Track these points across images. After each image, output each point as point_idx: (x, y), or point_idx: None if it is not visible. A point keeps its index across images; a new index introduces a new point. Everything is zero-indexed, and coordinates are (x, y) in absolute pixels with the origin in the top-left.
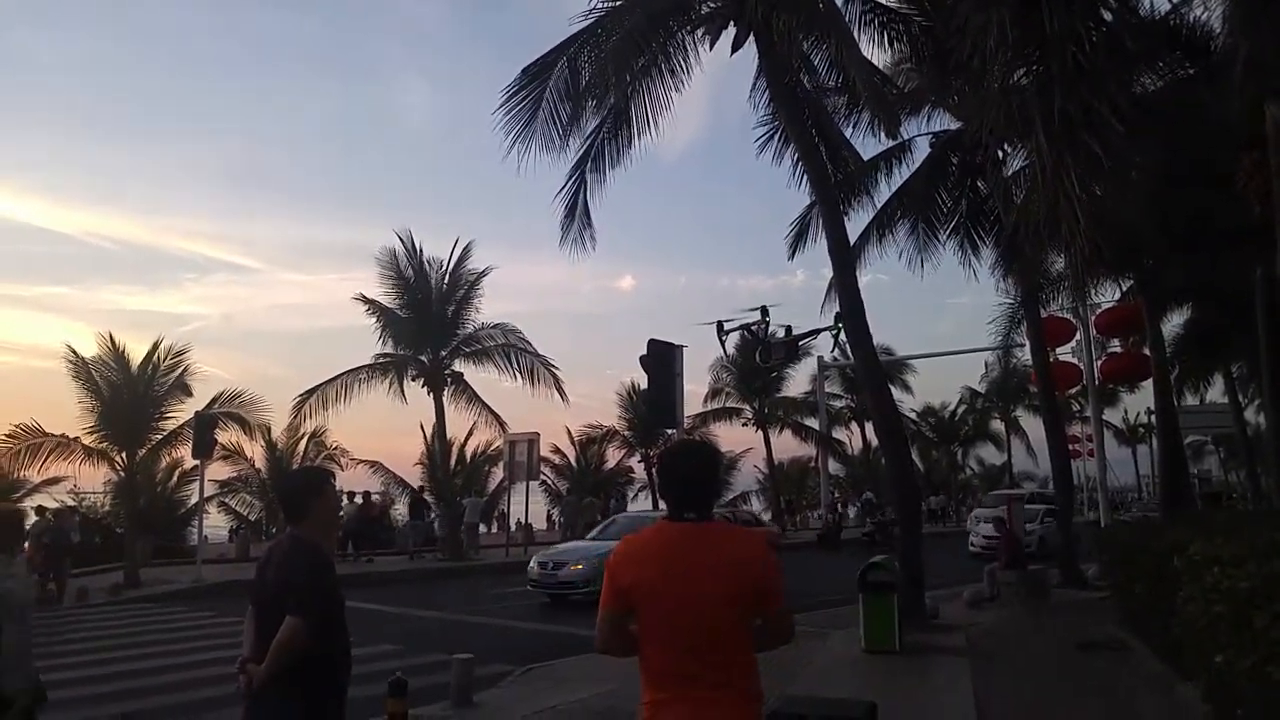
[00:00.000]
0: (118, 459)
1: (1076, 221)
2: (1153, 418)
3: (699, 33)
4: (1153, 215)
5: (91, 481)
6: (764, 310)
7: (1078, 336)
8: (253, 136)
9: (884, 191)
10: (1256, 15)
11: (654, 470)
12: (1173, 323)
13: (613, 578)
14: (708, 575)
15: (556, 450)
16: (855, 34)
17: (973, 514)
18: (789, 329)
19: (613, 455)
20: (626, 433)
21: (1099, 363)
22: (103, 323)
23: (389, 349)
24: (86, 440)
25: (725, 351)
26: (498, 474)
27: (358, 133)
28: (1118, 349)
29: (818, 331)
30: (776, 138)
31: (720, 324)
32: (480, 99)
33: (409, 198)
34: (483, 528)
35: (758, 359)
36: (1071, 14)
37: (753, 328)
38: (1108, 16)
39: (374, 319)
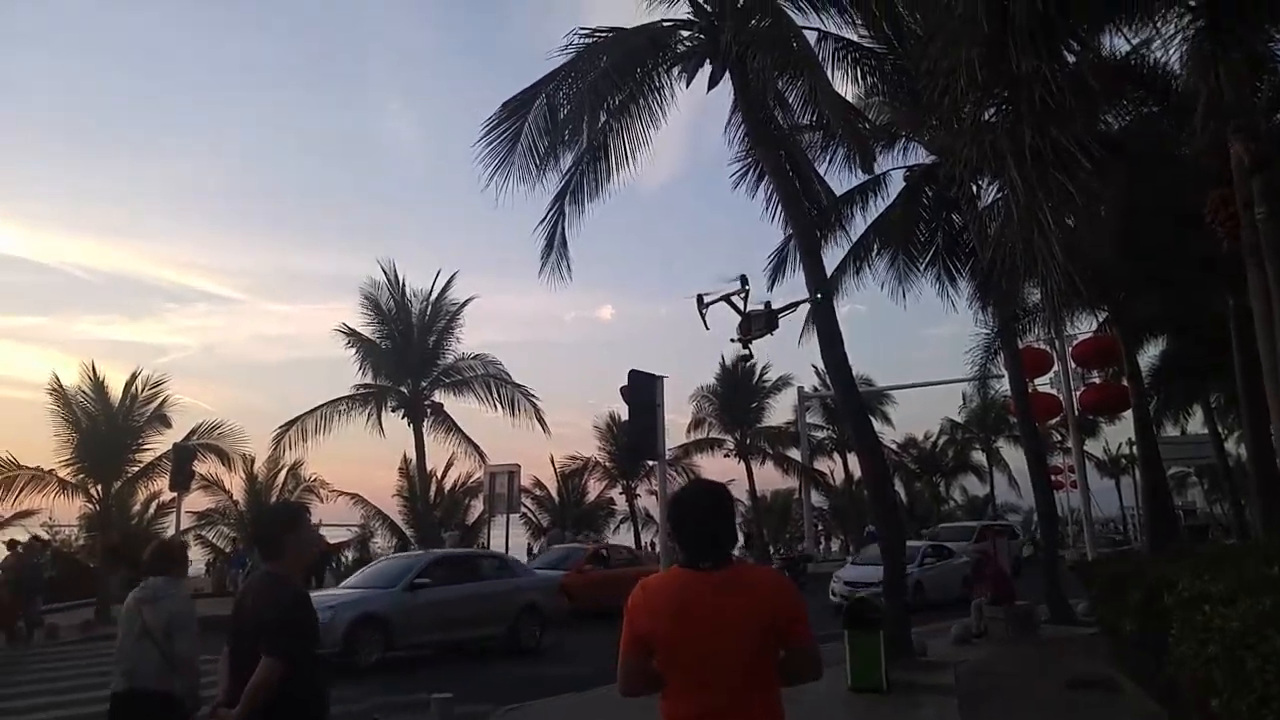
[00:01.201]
0: (93, 491)
1: (1051, 255)
2: (1134, 449)
3: (675, 70)
4: (1124, 248)
5: (67, 514)
6: (743, 279)
7: (1056, 367)
8: (235, 164)
9: (860, 224)
10: (1213, 60)
11: (634, 502)
12: (1150, 354)
13: (631, 624)
14: (727, 625)
15: (538, 483)
16: (829, 70)
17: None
18: (768, 303)
19: (594, 487)
20: (608, 464)
21: (1078, 394)
22: (81, 353)
23: (369, 379)
24: (62, 473)
25: (705, 325)
26: (478, 506)
27: (342, 161)
28: (1097, 380)
29: (797, 304)
30: (752, 172)
31: (700, 297)
32: (466, 127)
33: (392, 226)
34: None
35: (736, 333)
36: (1037, 55)
37: (732, 297)
38: (1071, 58)
39: (355, 350)
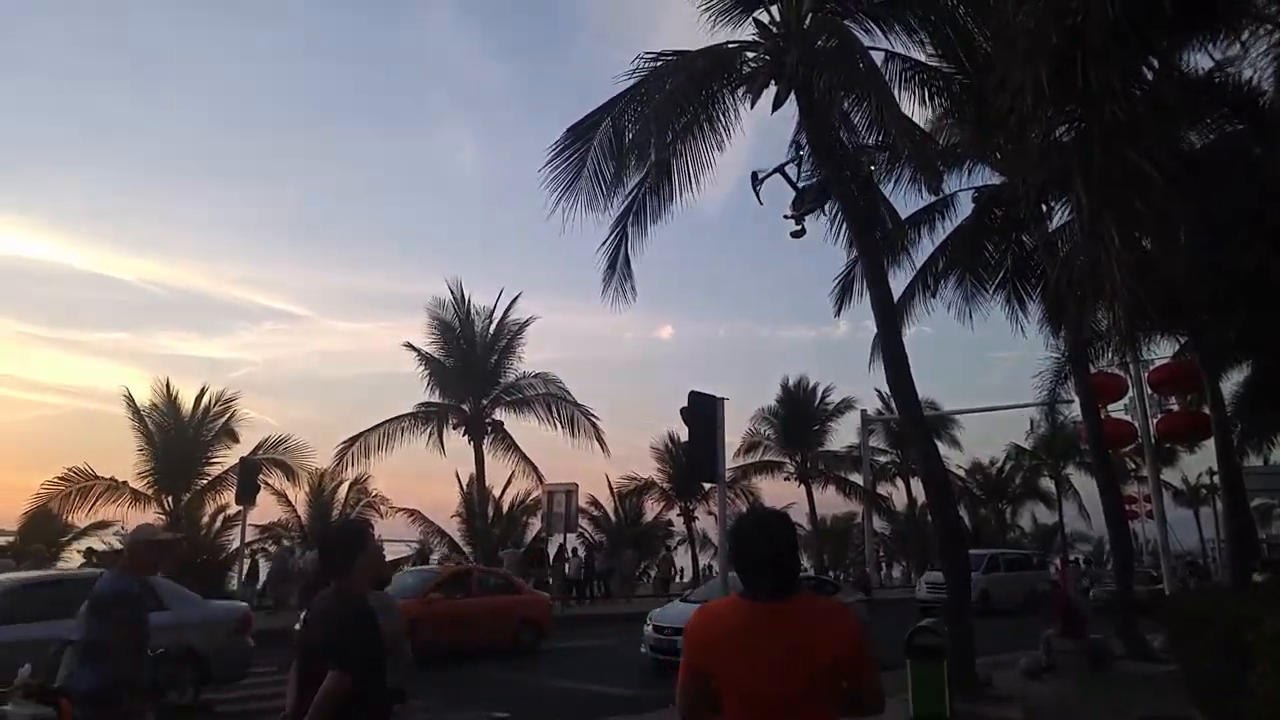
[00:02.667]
0: (165, 502)
1: (1117, 279)
2: (1215, 478)
3: (740, 91)
4: (1202, 271)
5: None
6: (797, 146)
7: (1130, 393)
8: (306, 186)
9: (927, 246)
10: None
11: (692, 524)
12: (1233, 380)
13: (690, 652)
14: (785, 661)
15: (594, 502)
16: (895, 91)
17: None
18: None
19: (651, 508)
20: (665, 485)
21: (1155, 421)
22: (156, 368)
23: (433, 397)
24: (135, 484)
25: (759, 199)
26: (535, 524)
27: (408, 183)
28: (1175, 407)
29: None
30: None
31: (755, 174)
32: (528, 151)
33: (455, 247)
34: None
35: (790, 208)
36: (1109, 71)
37: (786, 168)
38: (1149, 75)
39: (420, 367)
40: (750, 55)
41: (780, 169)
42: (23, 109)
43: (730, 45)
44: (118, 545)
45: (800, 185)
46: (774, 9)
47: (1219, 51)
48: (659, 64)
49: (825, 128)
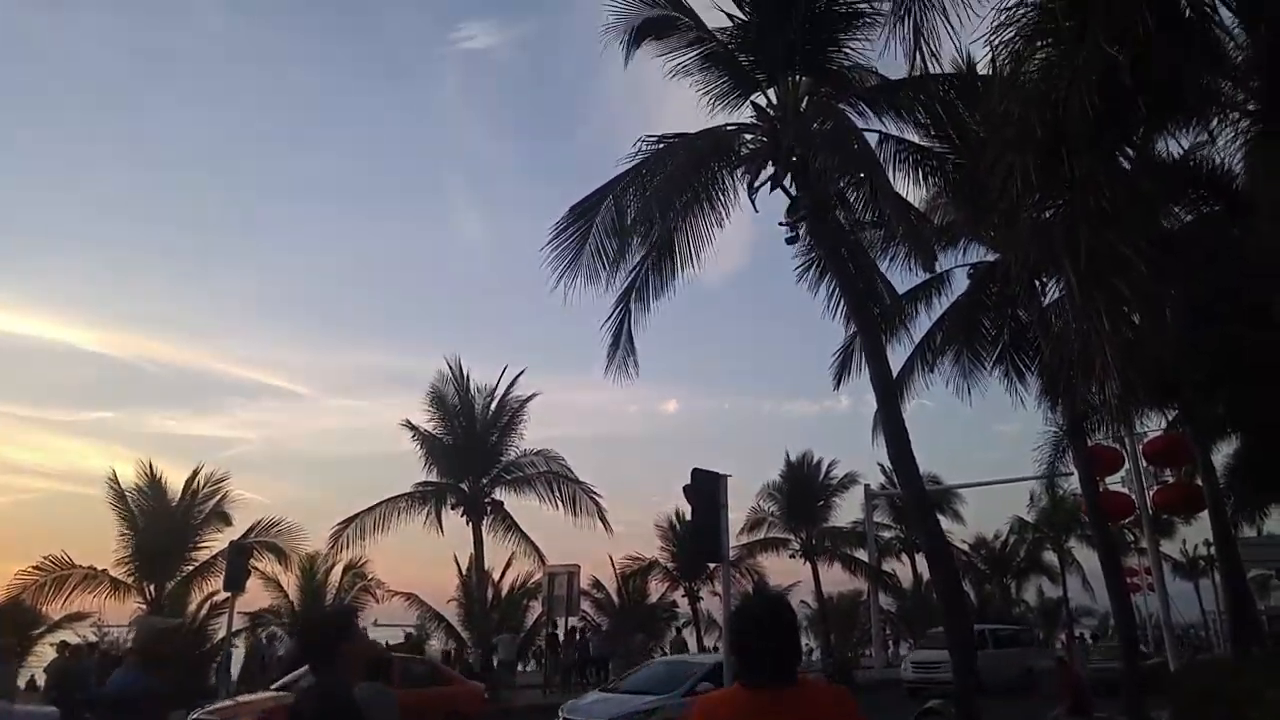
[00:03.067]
0: (147, 591)
1: (1107, 359)
2: (1212, 549)
3: (739, 171)
4: (1188, 349)
5: (119, 616)
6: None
7: (1127, 465)
8: (309, 262)
9: (924, 322)
10: (1277, 167)
11: (697, 605)
12: (1223, 453)
13: None
14: None
15: (597, 584)
16: (890, 171)
17: None
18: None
19: (655, 588)
20: (669, 565)
21: (1151, 493)
22: (146, 448)
23: (431, 476)
24: (115, 572)
25: (755, 208)
26: (536, 608)
27: (412, 259)
28: (1170, 479)
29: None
30: (814, 269)
31: (751, 180)
32: (532, 227)
33: (458, 323)
34: (520, 665)
35: (785, 216)
36: (1091, 161)
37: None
38: (1125, 165)
39: (418, 446)
40: (748, 137)
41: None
42: (22, 185)
43: (729, 128)
44: (92, 638)
45: (795, 194)
46: (771, 93)
47: (1189, 138)
48: (660, 145)
49: (822, 207)
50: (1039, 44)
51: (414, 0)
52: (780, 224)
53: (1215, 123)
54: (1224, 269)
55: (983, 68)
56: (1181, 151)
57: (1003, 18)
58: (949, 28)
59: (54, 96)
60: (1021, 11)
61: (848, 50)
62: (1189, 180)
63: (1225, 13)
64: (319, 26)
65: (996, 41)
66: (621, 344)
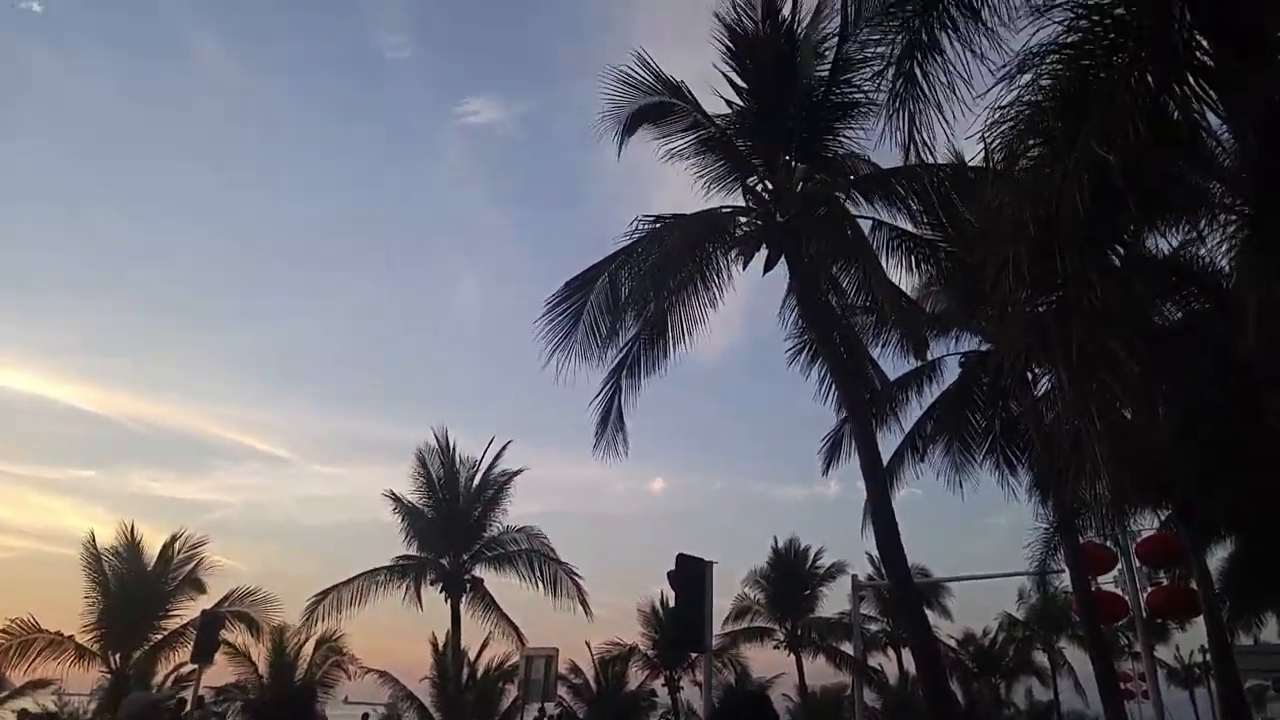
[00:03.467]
0: (112, 660)
1: (1098, 457)
2: (1208, 657)
3: (733, 253)
4: (1181, 447)
5: (83, 684)
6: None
7: (1120, 565)
8: (300, 325)
9: (915, 409)
10: (1266, 270)
11: (677, 695)
12: (1219, 556)
13: None
14: None
15: (574, 669)
16: (883, 258)
17: None
18: None
19: (634, 675)
20: (650, 652)
21: (1145, 595)
22: (127, 509)
23: (412, 550)
24: (81, 638)
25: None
26: (512, 691)
27: (403, 325)
28: (1164, 581)
29: None
30: (806, 352)
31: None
32: (524, 299)
33: (447, 391)
34: None
35: None
36: (1084, 261)
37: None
38: (1118, 260)
39: (400, 518)
40: (743, 220)
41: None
42: (14, 234)
43: (724, 210)
44: (51, 707)
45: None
46: (766, 178)
47: (1179, 234)
48: (657, 225)
49: (814, 291)
50: (1031, 141)
51: (420, 74)
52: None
53: (1204, 223)
54: (1215, 366)
55: (975, 156)
56: (1171, 248)
57: (996, 115)
58: (943, 122)
59: (45, 140)
60: (1015, 109)
61: (843, 139)
62: (1179, 277)
63: (1214, 119)
64: (323, 90)
65: (990, 135)
66: (611, 422)
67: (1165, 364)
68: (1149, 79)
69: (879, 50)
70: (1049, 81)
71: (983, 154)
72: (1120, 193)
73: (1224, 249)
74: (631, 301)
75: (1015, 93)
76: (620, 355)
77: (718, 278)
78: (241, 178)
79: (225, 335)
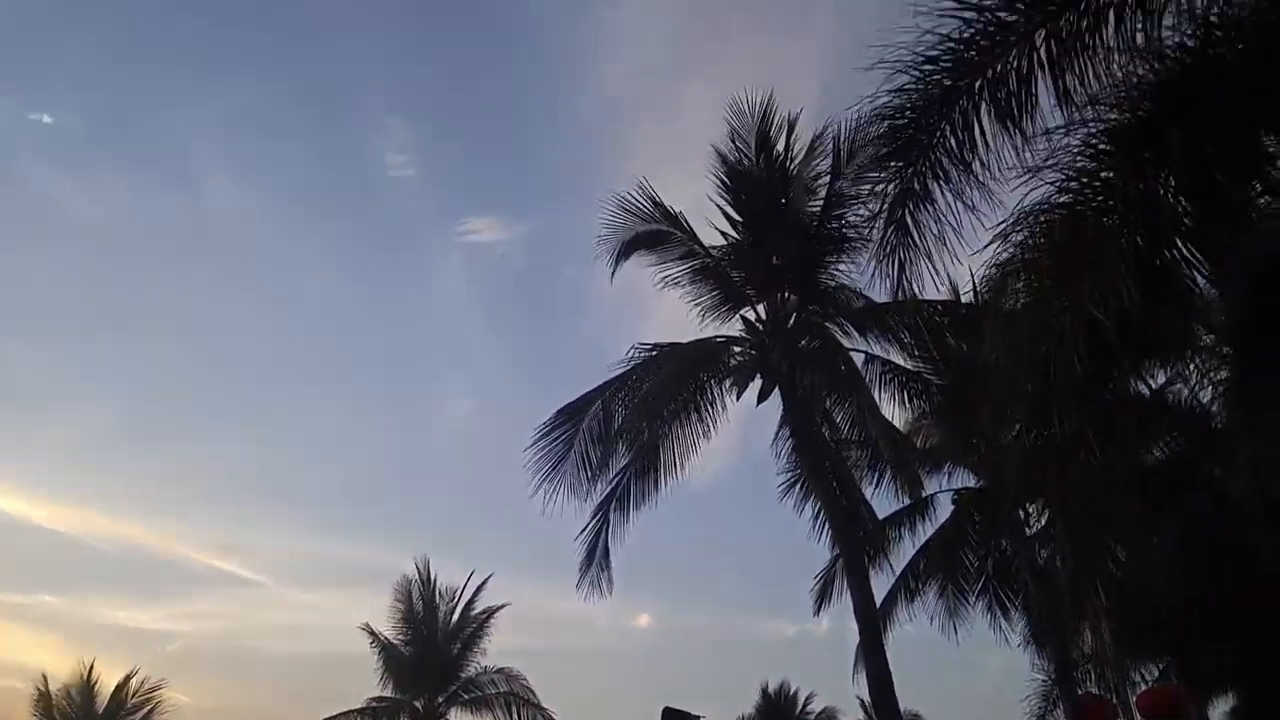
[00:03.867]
0: None
1: (1099, 609)
2: None
3: (727, 383)
4: (1182, 591)
5: None
6: None
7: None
8: (278, 443)
9: (908, 546)
10: (1257, 418)
11: None
12: (1220, 710)
13: None
14: None
15: None
16: (875, 392)
17: None
18: None
19: None
20: None
21: None
22: (87, 636)
23: (387, 690)
24: None
25: None
26: None
27: (386, 448)
28: None
29: None
30: (799, 487)
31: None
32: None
33: (429, 515)
34: None
35: None
36: (1080, 419)
37: None
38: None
39: (376, 653)
40: (737, 350)
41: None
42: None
43: (718, 340)
44: None
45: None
46: (760, 308)
47: (1166, 373)
48: (652, 353)
49: (808, 424)
50: (1025, 297)
51: (423, 194)
52: None
53: (1193, 369)
54: (1206, 505)
55: (966, 289)
56: (1157, 385)
57: (990, 270)
58: (933, 272)
59: (39, 255)
60: (1008, 265)
61: (835, 272)
62: (1166, 416)
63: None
64: (323, 210)
65: (983, 285)
66: (596, 559)
67: (1157, 502)
68: (1139, 239)
69: (872, 191)
70: (1043, 239)
71: (976, 288)
72: (1113, 347)
73: (1208, 387)
74: (624, 431)
75: (1009, 251)
76: (610, 487)
77: (711, 407)
78: (228, 295)
79: (197, 451)
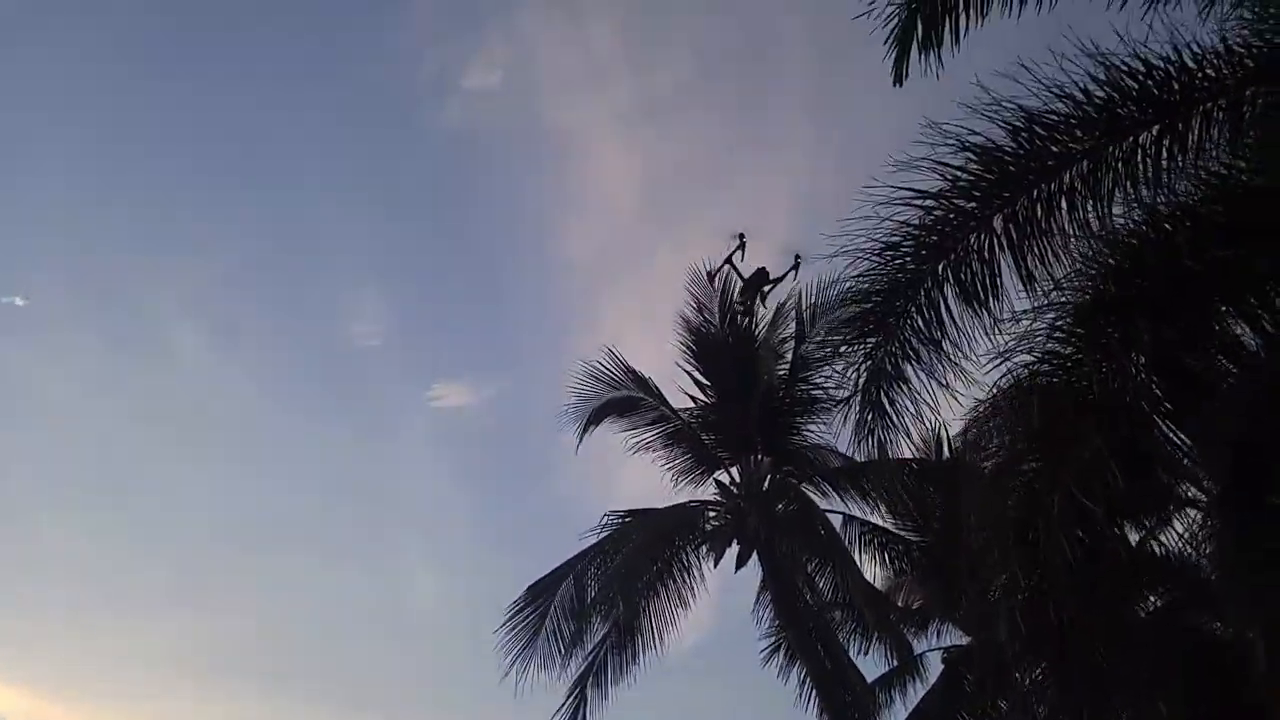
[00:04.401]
0: None
1: None
2: None
3: (704, 549)
4: None
5: None
6: (741, 236)
7: None
8: (239, 617)
9: (900, 710)
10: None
11: None
12: None
13: None
14: None
15: None
16: (855, 553)
17: None
18: (762, 268)
19: None
20: None
21: None
22: None
23: None
24: None
25: (713, 285)
26: None
27: (350, 620)
28: None
29: (779, 279)
30: (782, 652)
31: (709, 274)
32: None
33: (395, 690)
34: None
35: (737, 296)
36: (1073, 607)
37: (733, 258)
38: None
39: None
40: (712, 514)
41: (728, 260)
42: None
43: (693, 505)
44: None
45: (746, 277)
46: (734, 471)
47: (1150, 526)
48: (625, 519)
49: (789, 590)
50: (1004, 473)
51: (390, 362)
52: (733, 302)
53: (1180, 531)
54: (1198, 661)
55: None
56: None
57: (969, 432)
58: (911, 445)
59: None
60: (990, 440)
61: (807, 433)
62: (1155, 567)
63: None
64: (290, 380)
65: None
66: None
67: (1148, 656)
68: (1118, 421)
69: (844, 374)
70: (1020, 428)
71: (953, 450)
72: (1100, 520)
73: (1192, 539)
74: (598, 604)
75: (987, 429)
76: (586, 663)
77: (688, 575)
78: (189, 470)
79: (150, 627)
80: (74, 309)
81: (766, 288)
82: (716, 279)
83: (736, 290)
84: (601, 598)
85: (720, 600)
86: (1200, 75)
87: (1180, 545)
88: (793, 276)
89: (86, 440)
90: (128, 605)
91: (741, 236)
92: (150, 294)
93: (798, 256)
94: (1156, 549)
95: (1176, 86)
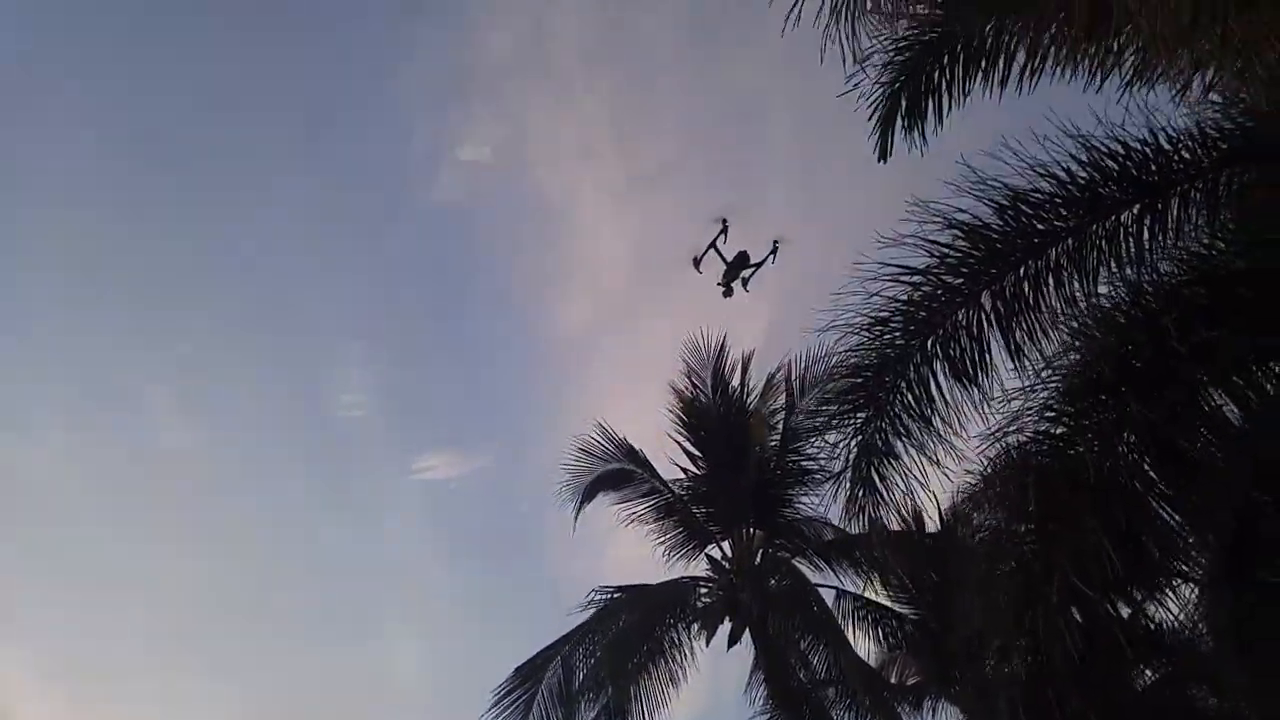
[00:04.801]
0: None
1: None
2: None
3: (695, 627)
4: None
5: None
6: (724, 221)
7: None
8: (224, 706)
9: None
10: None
11: None
12: None
13: None
14: None
15: None
16: (849, 628)
17: None
18: (743, 252)
19: None
20: None
21: None
22: None
23: None
24: None
25: (699, 271)
26: None
27: (333, 702)
28: None
29: (759, 265)
30: None
31: (695, 260)
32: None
33: None
34: None
35: (721, 280)
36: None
37: (716, 243)
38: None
39: None
40: (703, 591)
41: (712, 244)
42: None
43: (684, 580)
44: None
45: (729, 260)
46: (725, 545)
47: (1145, 597)
48: (615, 596)
49: (783, 668)
50: (998, 551)
51: (373, 433)
52: (718, 285)
53: (1176, 610)
54: None
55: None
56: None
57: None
58: (903, 519)
59: None
60: (984, 505)
61: (799, 505)
62: (1152, 640)
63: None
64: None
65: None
66: None
67: None
68: (1114, 503)
69: (835, 448)
70: (1014, 507)
71: (945, 521)
72: (1093, 598)
73: (1187, 614)
74: (587, 687)
75: (983, 501)
76: None
77: (679, 653)
78: (163, 546)
79: (135, 710)
80: (39, 379)
81: (747, 271)
82: (701, 263)
83: (722, 275)
84: (590, 682)
85: (712, 678)
86: (1176, 157)
87: (1175, 620)
88: (772, 260)
89: (54, 517)
90: (98, 680)
91: (725, 221)
92: (125, 365)
93: (776, 241)
94: (1150, 624)
95: (1154, 168)
